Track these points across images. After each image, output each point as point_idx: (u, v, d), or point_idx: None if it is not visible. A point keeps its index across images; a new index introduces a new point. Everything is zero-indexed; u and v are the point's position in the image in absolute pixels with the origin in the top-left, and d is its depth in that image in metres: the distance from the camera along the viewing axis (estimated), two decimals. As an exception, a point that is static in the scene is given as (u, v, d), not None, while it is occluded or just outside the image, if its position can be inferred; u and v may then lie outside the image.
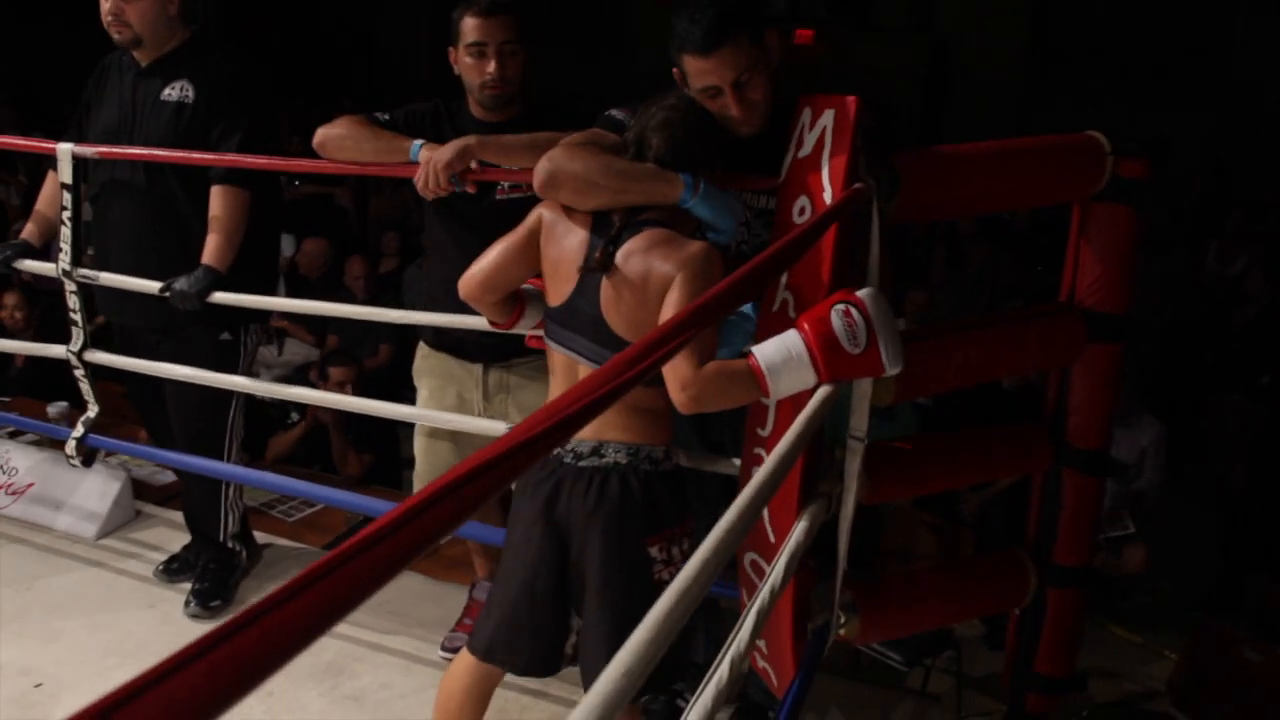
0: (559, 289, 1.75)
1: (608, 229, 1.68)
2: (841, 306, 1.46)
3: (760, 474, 1.25)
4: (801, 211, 1.57)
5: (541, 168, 1.67)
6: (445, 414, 2.40)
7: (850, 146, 1.51)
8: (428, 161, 2.06)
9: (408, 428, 3.61)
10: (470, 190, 2.13)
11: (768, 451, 1.67)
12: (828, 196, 1.53)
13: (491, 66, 2.18)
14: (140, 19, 2.54)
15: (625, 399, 1.71)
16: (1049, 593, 2.13)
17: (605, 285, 1.67)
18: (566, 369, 1.78)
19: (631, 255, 1.64)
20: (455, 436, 2.44)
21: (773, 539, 1.63)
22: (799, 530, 1.43)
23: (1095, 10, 10.17)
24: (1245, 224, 6.54)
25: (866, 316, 1.45)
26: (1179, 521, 4.09)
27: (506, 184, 2.21)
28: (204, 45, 2.62)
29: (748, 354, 1.50)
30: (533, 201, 1.80)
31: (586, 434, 1.72)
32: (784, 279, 1.61)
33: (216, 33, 2.88)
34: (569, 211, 1.74)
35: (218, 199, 2.53)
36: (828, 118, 1.53)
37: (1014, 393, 4.04)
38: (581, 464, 1.71)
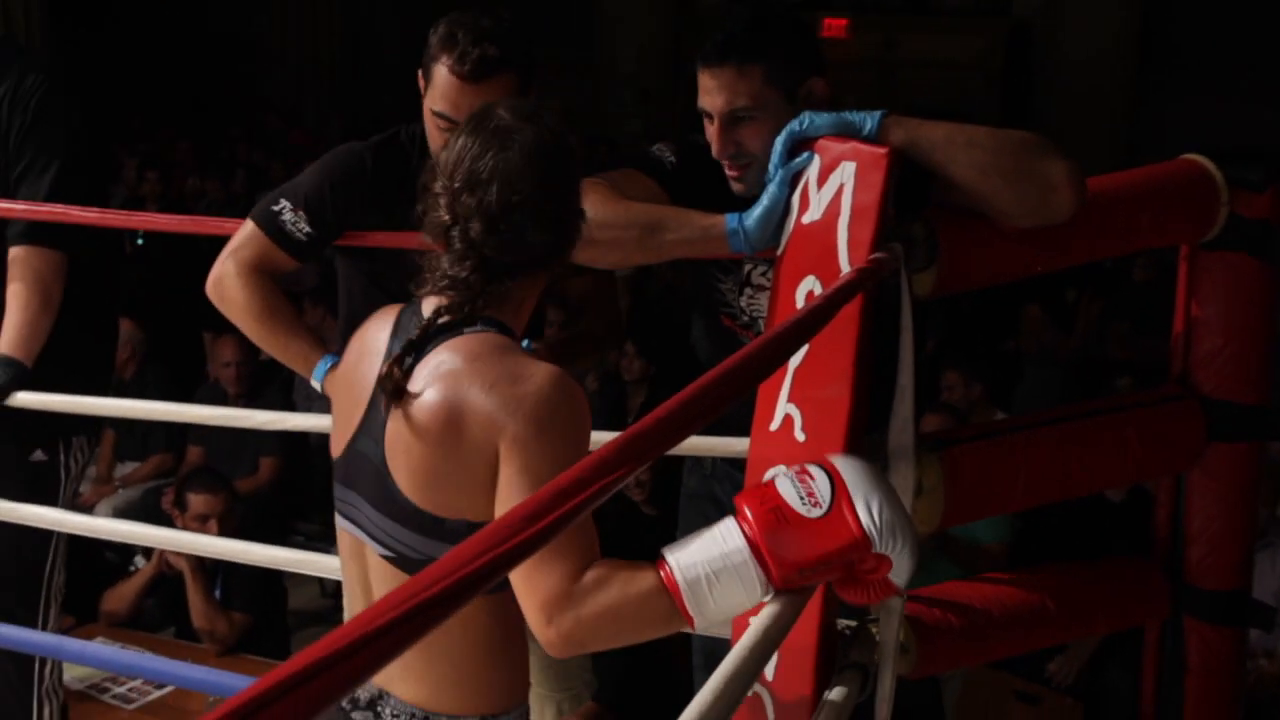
0: (345, 427, 1.63)
1: (409, 329, 1.54)
2: (796, 467, 1.36)
3: (749, 634, 1.24)
4: (809, 296, 1.58)
5: None
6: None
7: (879, 212, 1.52)
8: None
9: (298, 576, 3.56)
10: None
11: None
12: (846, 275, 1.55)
13: None
14: None
15: (429, 634, 1.60)
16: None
17: (394, 417, 1.51)
18: (354, 555, 1.64)
19: (438, 374, 1.48)
20: None
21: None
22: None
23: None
24: None
25: (833, 473, 1.33)
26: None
27: None
28: (4, 51, 2.67)
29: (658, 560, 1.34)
30: None
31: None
32: (786, 388, 1.61)
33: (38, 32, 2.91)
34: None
35: (20, 265, 2.55)
36: (845, 172, 1.54)
37: (1119, 503, 4.04)
38: (354, 716, 1.61)
